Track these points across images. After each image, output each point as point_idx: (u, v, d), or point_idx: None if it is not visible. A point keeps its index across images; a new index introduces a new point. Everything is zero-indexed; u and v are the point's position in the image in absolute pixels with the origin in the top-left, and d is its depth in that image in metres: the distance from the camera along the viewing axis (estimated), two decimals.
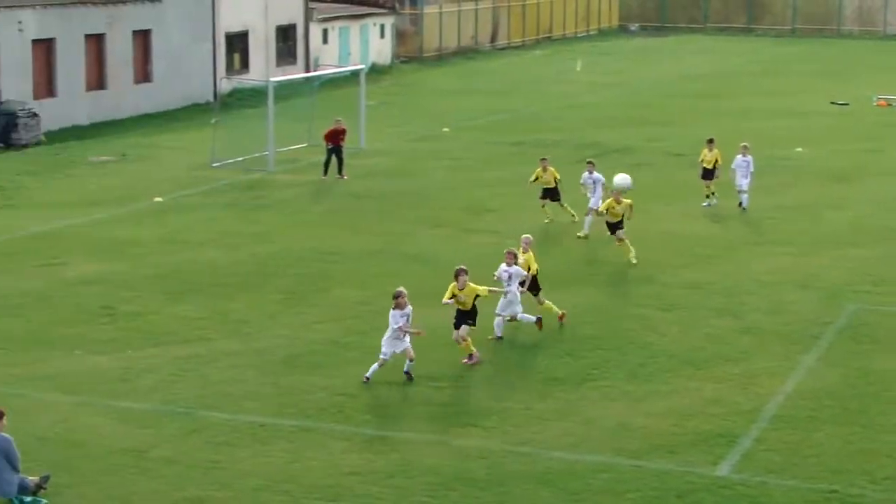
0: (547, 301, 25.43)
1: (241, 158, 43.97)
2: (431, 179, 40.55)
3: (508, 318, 24.57)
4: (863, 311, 26.79)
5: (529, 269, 24.85)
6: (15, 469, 17.08)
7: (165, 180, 40.86)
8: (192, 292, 27.74)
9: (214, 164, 43.40)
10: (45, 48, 50.92)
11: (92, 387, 21.96)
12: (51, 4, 51.01)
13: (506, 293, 24.36)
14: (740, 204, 36.11)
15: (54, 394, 21.63)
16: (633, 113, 57.91)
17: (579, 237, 32.56)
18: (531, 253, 25.21)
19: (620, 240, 30.15)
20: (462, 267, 23.29)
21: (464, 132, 51.77)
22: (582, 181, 33.93)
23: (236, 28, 62.35)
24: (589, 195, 33.41)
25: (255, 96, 51.17)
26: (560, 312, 25.39)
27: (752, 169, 36.11)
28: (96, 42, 53.40)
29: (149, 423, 20.33)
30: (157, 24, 56.60)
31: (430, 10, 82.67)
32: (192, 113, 56.15)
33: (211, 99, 58.47)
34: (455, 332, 23.08)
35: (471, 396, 21.62)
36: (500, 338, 24.41)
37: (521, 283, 24.50)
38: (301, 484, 18.07)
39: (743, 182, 36.00)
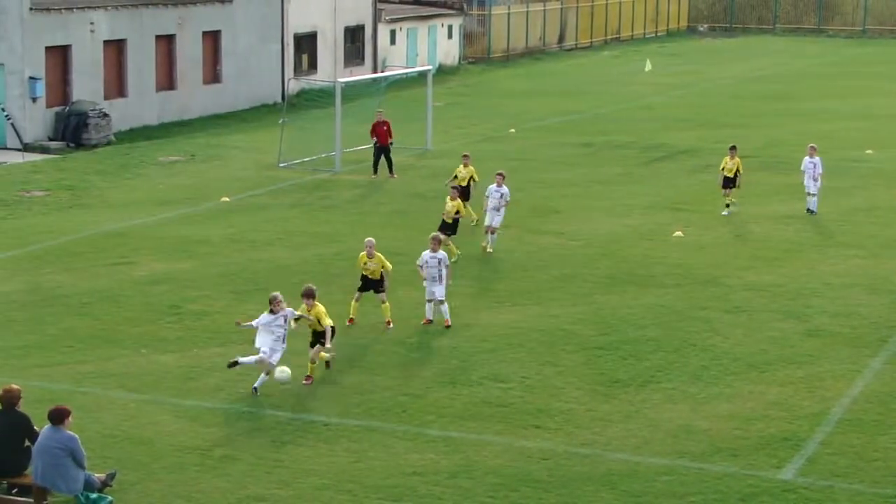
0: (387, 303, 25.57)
1: (307, 159, 44.20)
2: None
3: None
4: None
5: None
6: (81, 466, 17.27)
7: (233, 180, 41.16)
8: (259, 292, 27.85)
9: (281, 165, 43.65)
10: (115, 49, 51.42)
11: (158, 385, 22.16)
12: (122, 5, 51.52)
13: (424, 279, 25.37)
14: (808, 209, 35.67)
15: (120, 392, 21.85)
16: (702, 114, 57.64)
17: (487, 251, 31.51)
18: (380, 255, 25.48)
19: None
20: (309, 287, 22.72)
21: (530, 133, 51.76)
22: (487, 194, 31.49)
23: (305, 29, 62.66)
24: (486, 210, 31.56)
25: (322, 97, 51.38)
26: (387, 319, 25.45)
27: (820, 171, 35.63)
28: (166, 43, 53.86)
29: (213, 422, 20.49)
30: (227, 24, 57.01)
31: (497, 10, 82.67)
32: (260, 113, 56.51)
33: (279, 99, 58.80)
34: (310, 350, 22.49)
35: (535, 397, 21.61)
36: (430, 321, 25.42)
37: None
38: (363, 484, 18.15)
39: (811, 185, 35.61)
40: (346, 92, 45.38)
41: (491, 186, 31.49)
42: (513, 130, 52.29)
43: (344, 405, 21.22)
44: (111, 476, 17.86)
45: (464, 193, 32.99)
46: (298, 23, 62.02)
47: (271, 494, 17.85)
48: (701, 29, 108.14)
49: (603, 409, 21.12)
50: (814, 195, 35.61)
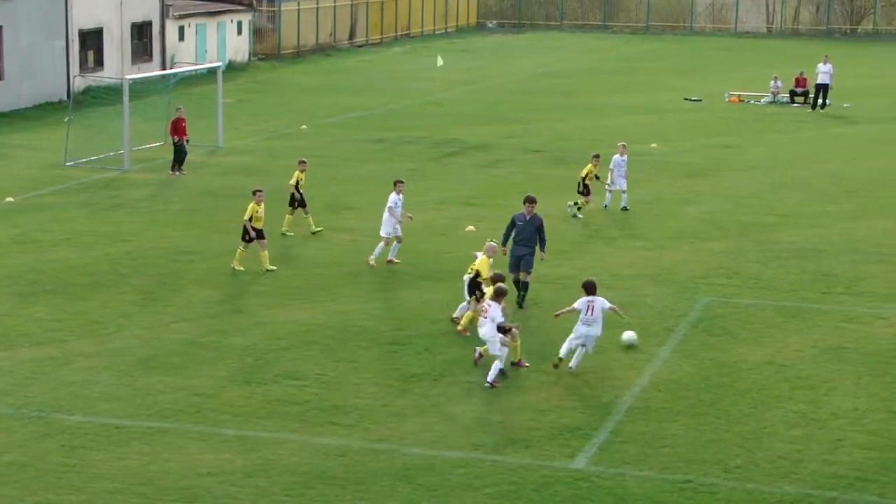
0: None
1: (95, 157, 43.36)
2: (289, 178, 40.33)
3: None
4: (716, 303, 27.27)
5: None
6: None
7: (17, 180, 40.13)
8: (46, 293, 27.27)
9: (68, 164, 42.72)
10: None
11: None
12: None
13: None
14: (624, 208, 36.18)
15: None
16: (492, 110, 58.28)
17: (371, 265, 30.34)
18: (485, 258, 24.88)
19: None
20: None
21: (323, 129, 51.65)
22: (392, 203, 29.93)
23: (90, 25, 61.39)
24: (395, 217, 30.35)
25: (109, 94, 50.54)
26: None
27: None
28: None
29: (0, 428, 19.93)
30: (8, 21, 55.51)
31: (287, 7, 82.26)
32: (44, 112, 55.21)
33: (64, 97, 57.53)
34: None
35: (331, 394, 21.55)
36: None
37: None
38: (157, 486, 17.86)
39: (622, 182, 36.19)
40: (133, 89, 44.64)
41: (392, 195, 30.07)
42: (304, 127, 52.11)
43: (136, 407, 20.85)
44: None
45: (297, 200, 32.64)
46: (83, 19, 60.73)
47: (62, 500, 17.43)
48: (490, 25, 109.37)
49: (398, 403, 21.17)
50: (625, 191, 36.14)
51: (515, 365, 22.80)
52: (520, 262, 26.50)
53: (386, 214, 29.79)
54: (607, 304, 22.82)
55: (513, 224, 26.84)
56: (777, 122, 56.10)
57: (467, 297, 24.94)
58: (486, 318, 22.39)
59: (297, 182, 32.77)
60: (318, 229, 33.02)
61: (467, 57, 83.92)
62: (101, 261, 30.17)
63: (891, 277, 29.50)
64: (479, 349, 22.96)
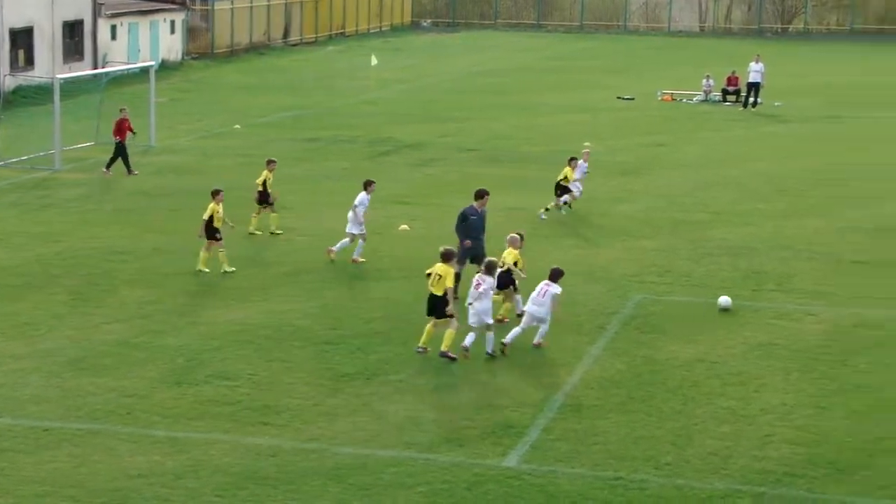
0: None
1: (25, 157, 42.98)
2: (223, 177, 40.19)
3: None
4: (648, 300, 27.43)
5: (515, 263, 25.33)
6: None
7: None
8: None
9: None
10: None
11: None
12: None
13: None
14: (562, 204, 36.34)
15: None
16: (426, 109, 58.32)
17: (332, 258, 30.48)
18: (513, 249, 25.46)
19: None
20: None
21: (257, 129, 51.48)
22: (358, 202, 30.30)
23: (20, 23, 60.82)
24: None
25: (40, 94, 50.13)
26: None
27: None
28: None
29: None
30: None
31: (221, 5, 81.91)
32: None
33: None
34: None
35: (262, 394, 21.48)
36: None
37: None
38: (86, 488, 17.73)
39: (579, 186, 36.42)
40: (64, 88, 44.32)
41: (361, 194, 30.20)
42: (238, 126, 51.89)
43: (65, 408, 20.69)
44: None
45: (263, 197, 32.62)
46: (13, 17, 60.16)
47: None
48: (424, 24, 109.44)
49: (330, 403, 21.14)
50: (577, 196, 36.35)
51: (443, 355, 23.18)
52: (474, 257, 26.54)
53: (351, 213, 30.00)
54: (556, 291, 23.58)
55: (464, 218, 26.92)
56: (709, 120, 56.53)
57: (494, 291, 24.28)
58: (479, 291, 23.11)
59: (265, 181, 32.72)
60: (279, 232, 32.88)
61: (402, 56, 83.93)
62: (32, 261, 29.91)
63: (820, 275, 29.80)
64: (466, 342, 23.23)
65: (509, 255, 25.32)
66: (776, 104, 61.14)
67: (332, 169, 42.38)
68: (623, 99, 62.90)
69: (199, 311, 26.19)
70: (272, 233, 32.69)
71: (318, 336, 24.61)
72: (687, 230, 34.10)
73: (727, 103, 62.41)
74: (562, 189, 35.92)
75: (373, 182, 30.70)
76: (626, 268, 30.11)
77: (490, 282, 23.34)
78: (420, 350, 23.44)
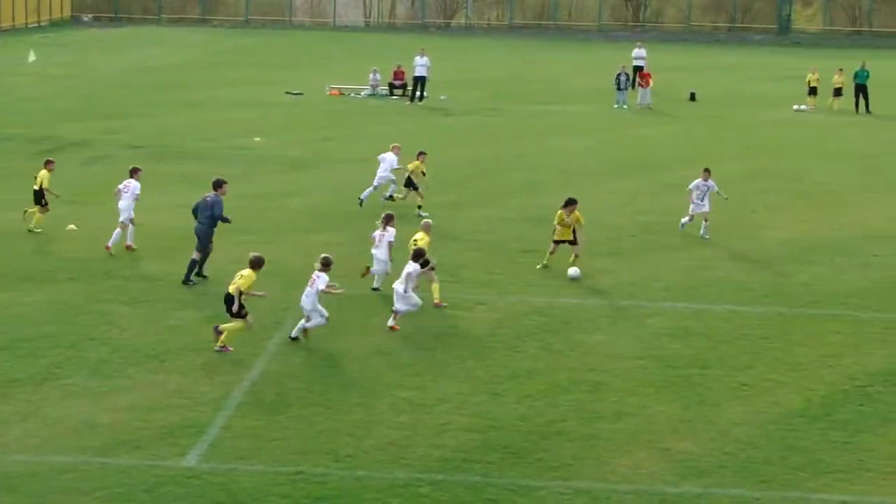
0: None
1: None
2: None
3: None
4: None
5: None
6: None
7: None
8: None
9: None
10: None
11: None
12: None
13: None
14: (361, 201, 36.34)
15: None
16: (91, 105, 57.02)
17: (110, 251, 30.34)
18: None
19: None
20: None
21: None
22: (121, 186, 30.63)
23: None
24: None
25: None
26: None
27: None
28: None
29: None
30: None
31: None
32: None
33: None
34: None
35: None
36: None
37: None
38: None
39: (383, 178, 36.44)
40: None
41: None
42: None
43: None
44: None
45: (39, 197, 32.58)
46: None
47: None
48: (85, 19, 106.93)
49: (1, 410, 20.40)
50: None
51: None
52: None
53: (123, 202, 30.39)
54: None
55: (196, 207, 28.23)
56: (378, 114, 57.15)
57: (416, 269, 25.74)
58: (312, 287, 23.84)
59: (42, 182, 32.39)
60: (39, 230, 32.29)
61: (63, 51, 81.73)
62: None
63: (489, 264, 30.49)
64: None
65: (423, 240, 26.94)
66: (442, 97, 62.29)
67: None
68: (292, 94, 62.94)
69: None
70: (30, 230, 32.30)
71: None
72: (357, 223, 34.30)
73: (394, 97, 63.23)
74: (411, 181, 36.09)
75: (139, 168, 31.40)
76: (299, 262, 30.04)
77: (323, 280, 23.95)
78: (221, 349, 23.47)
